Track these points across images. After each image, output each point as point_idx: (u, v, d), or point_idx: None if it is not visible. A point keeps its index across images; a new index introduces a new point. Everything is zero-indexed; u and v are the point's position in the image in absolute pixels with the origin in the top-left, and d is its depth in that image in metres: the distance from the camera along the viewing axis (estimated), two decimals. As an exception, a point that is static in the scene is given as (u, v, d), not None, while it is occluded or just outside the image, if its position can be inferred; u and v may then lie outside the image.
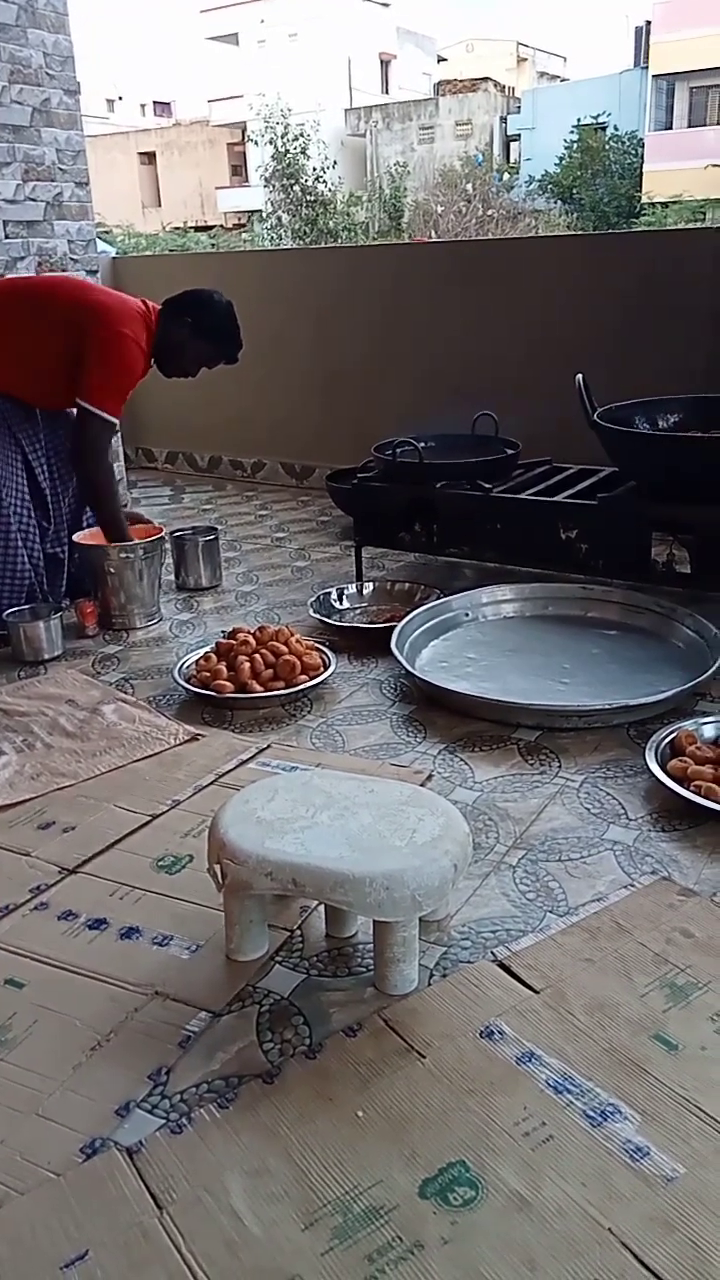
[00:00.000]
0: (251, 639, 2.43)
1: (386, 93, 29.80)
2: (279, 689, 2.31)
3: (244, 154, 28.46)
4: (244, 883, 1.39)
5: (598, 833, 1.79)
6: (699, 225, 4.77)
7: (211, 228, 26.90)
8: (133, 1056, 1.30)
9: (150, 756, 2.06)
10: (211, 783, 1.97)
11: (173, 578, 3.21)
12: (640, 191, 21.86)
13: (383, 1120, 1.20)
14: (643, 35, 23.98)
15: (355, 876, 1.34)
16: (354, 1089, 1.24)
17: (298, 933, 1.54)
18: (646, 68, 23.38)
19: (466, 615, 2.74)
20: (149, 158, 31.47)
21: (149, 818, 1.83)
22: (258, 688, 2.31)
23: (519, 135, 25.86)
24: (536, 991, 1.39)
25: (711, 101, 22.59)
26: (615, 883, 1.65)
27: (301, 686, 2.32)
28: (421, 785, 1.95)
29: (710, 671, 2.23)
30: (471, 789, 1.96)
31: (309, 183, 22.11)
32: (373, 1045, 1.31)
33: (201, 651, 2.51)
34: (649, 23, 23.38)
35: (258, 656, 2.36)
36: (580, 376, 2.71)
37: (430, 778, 2.00)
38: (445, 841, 1.42)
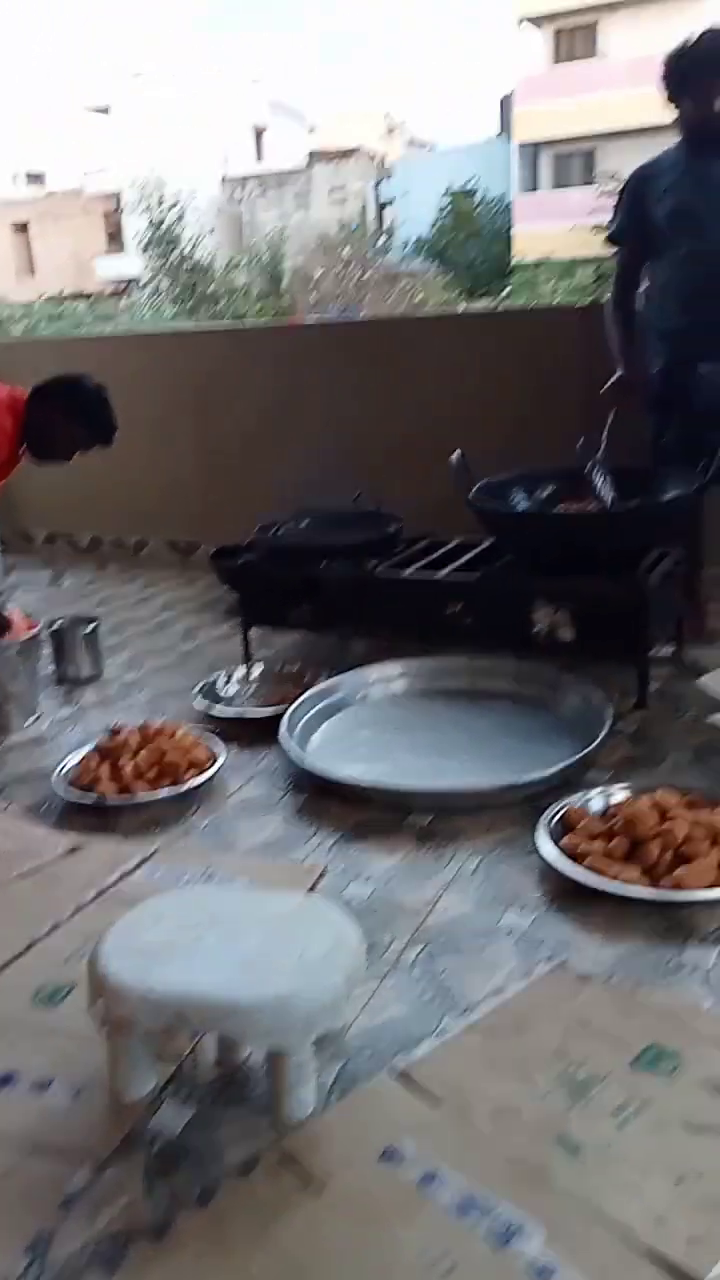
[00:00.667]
0: (135, 737, 2.37)
1: (260, 161, 30.45)
2: (165, 789, 2.25)
3: (120, 223, 28.61)
4: (126, 1020, 1.32)
5: (494, 920, 1.78)
6: (567, 304, 4.99)
7: (89, 295, 26.86)
8: (7, 1228, 1.21)
9: (27, 874, 1.97)
10: (94, 898, 1.88)
11: (52, 669, 3.11)
12: (510, 252, 22.74)
13: (281, 1267, 1.15)
14: (506, 105, 25.14)
15: (243, 1006, 1.29)
16: (251, 1235, 1.18)
17: (187, 1062, 1.47)
18: (511, 135, 24.48)
19: (356, 695, 2.73)
20: (21, 227, 31.32)
21: (26, 944, 1.74)
22: (142, 789, 2.24)
23: (392, 201, 26.67)
24: (438, 1103, 1.35)
25: (573, 166, 23.74)
26: (513, 973, 1.63)
27: (189, 785, 2.26)
28: (316, 882, 1.92)
29: (597, 741, 2.27)
30: (366, 882, 1.93)
31: (187, 250, 22.33)
32: (270, 1182, 1.25)
33: (83, 752, 2.42)
34: (511, 93, 24.54)
35: (141, 756, 2.30)
36: (457, 453, 2.76)
37: (324, 874, 1.96)
38: (337, 955, 1.38)
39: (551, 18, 23.10)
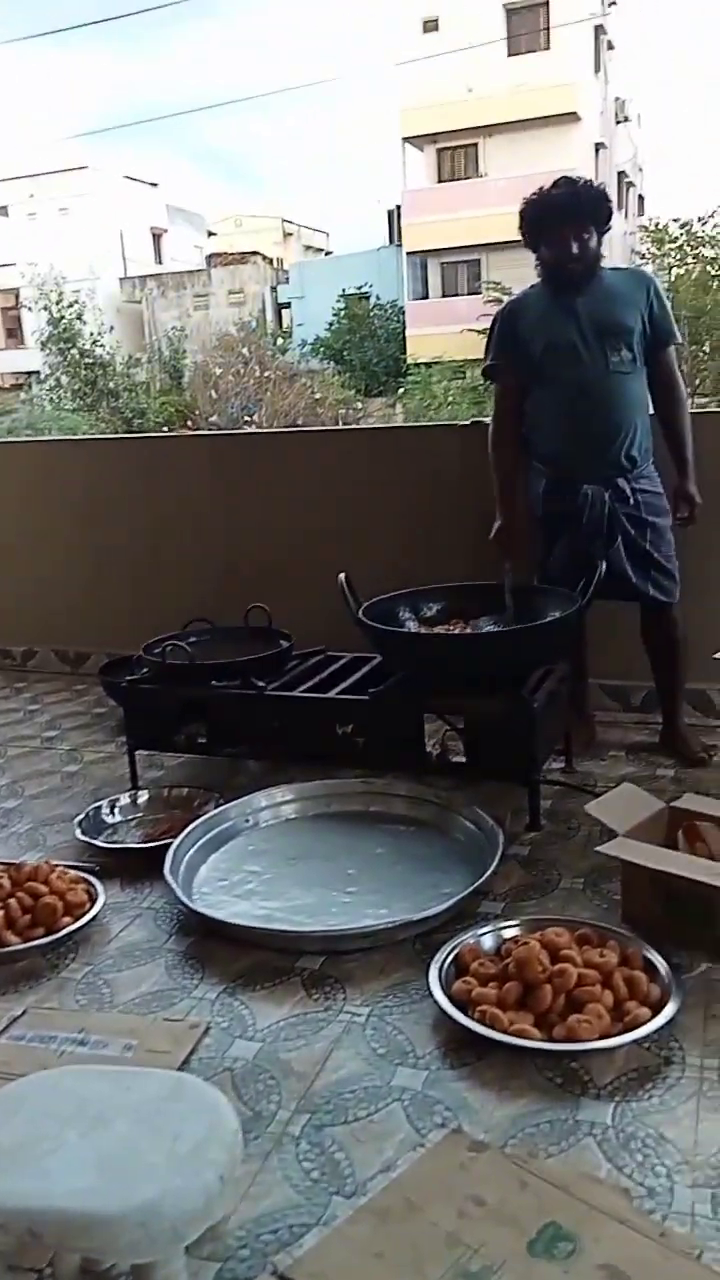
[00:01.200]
0: (6, 880, 2.22)
1: (160, 263, 31.07)
2: (39, 937, 2.11)
3: (19, 318, 28.69)
4: (-28, 1241, 1.19)
5: (385, 1079, 1.69)
6: (449, 422, 5.18)
7: (-11, 389, 26.71)
8: None
9: None
10: (-44, 1072, 1.73)
11: None
12: (404, 353, 23.56)
13: None
14: (395, 217, 26.35)
15: (103, 1217, 1.17)
16: None
17: (47, 1271, 1.33)
18: (400, 245, 25.60)
19: (245, 822, 2.64)
20: None
21: None
22: (14, 939, 2.09)
23: (289, 303, 27.49)
24: (321, 1312, 1.25)
25: (460, 275, 24.89)
26: (405, 1143, 1.54)
27: (64, 931, 2.13)
28: (197, 1043, 1.81)
29: (489, 871, 2.22)
30: (251, 1039, 1.82)
31: (86, 346, 22.46)
32: None
33: (-49, 897, 2.26)
34: (399, 207, 25.75)
35: (13, 901, 2.15)
36: (342, 576, 2.75)
37: (207, 1031, 1.85)
38: (210, 1148, 1.27)
39: (433, 138, 24.45)
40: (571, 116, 22.51)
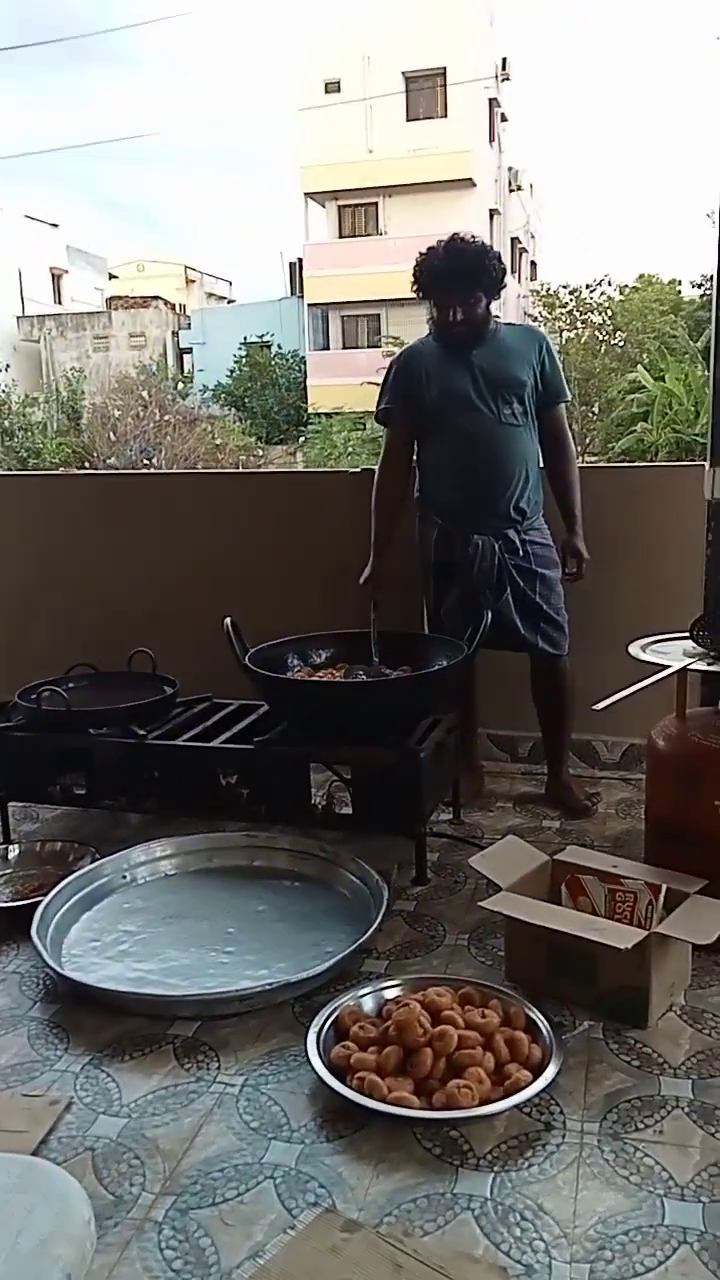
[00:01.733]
0: None
1: (59, 303, 30.74)
2: None
3: None
4: None
5: (257, 1155, 1.60)
6: (340, 469, 5.22)
7: None
8: None
9: None
10: None
11: None
12: (305, 403, 23.78)
13: None
14: (297, 269, 26.73)
15: (-69, 1333, 1.05)
16: None
17: None
18: (302, 296, 25.95)
19: (122, 878, 2.52)
20: None
21: None
22: None
23: (191, 349, 27.49)
24: None
25: (360, 328, 25.34)
26: (275, 1225, 1.45)
27: None
28: (57, 1120, 1.69)
29: (371, 929, 2.16)
30: (117, 1115, 1.71)
31: (-19, 383, 22.00)
32: None
33: None
34: (300, 260, 26.14)
35: None
36: (229, 620, 2.68)
37: (69, 1107, 1.73)
38: (57, 1244, 1.17)
39: (334, 195, 24.97)
40: (467, 182, 23.31)
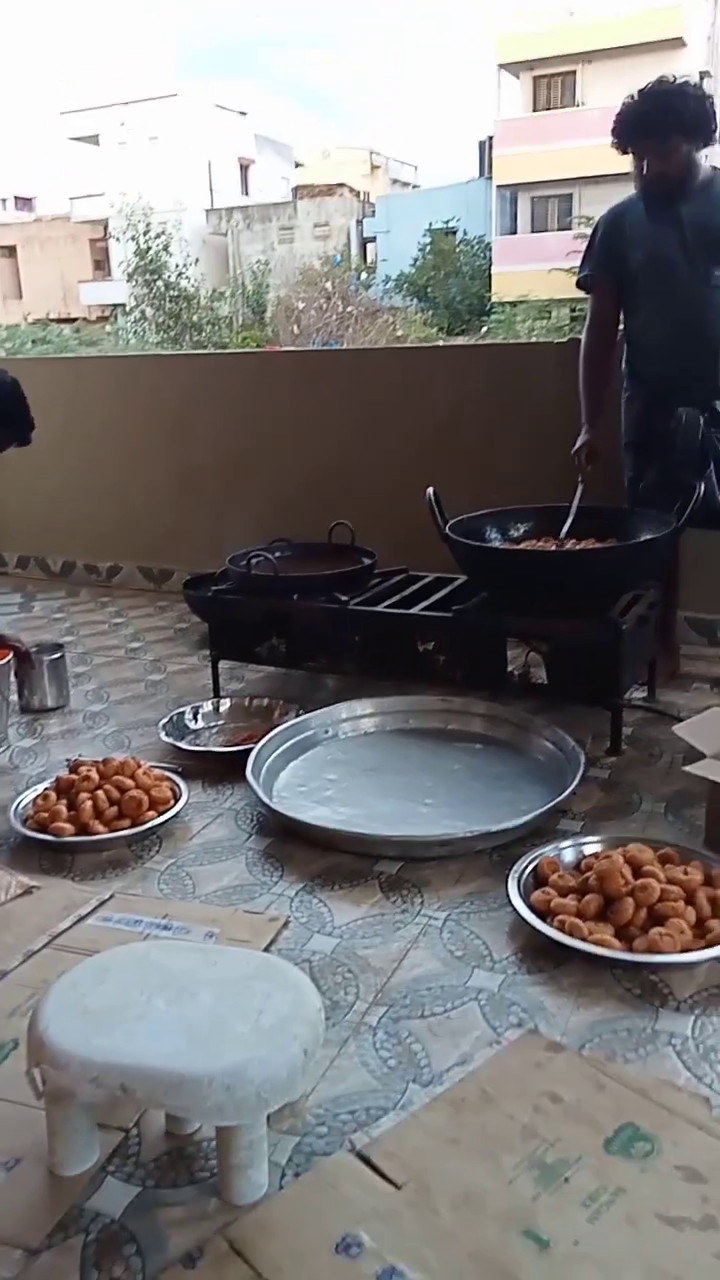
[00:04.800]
0: (94, 773, 2.27)
1: (246, 195, 30.72)
2: (124, 829, 2.15)
3: (106, 249, 28.72)
4: (66, 1090, 1.23)
5: (461, 980, 1.70)
6: (543, 340, 5.01)
7: (74, 320, 26.88)
8: None
9: (-25, 919, 1.87)
10: (44, 945, 1.78)
11: (15, 698, 3.01)
12: (490, 291, 23.02)
13: None
14: (486, 149, 25.55)
15: (192, 1077, 1.19)
16: (192, 1335, 1.09)
17: (134, 1131, 1.38)
18: (491, 178, 24.86)
19: (325, 733, 2.65)
20: (9, 251, 31.41)
21: (-32, 997, 1.64)
22: (100, 829, 2.14)
23: (374, 237, 26.98)
24: (398, 1187, 1.26)
25: (551, 210, 24.12)
26: (480, 1039, 1.55)
27: (149, 824, 2.17)
28: (277, 934, 1.83)
29: (569, 790, 2.20)
30: (330, 935, 1.84)
31: (172, 278, 22.41)
32: (214, 1277, 1.15)
33: (41, 788, 2.32)
34: (491, 138, 24.94)
35: (100, 793, 2.20)
36: (431, 490, 2.71)
37: (287, 924, 1.87)
38: (294, 1023, 1.29)
39: (530, 65, 23.53)
40: (677, 42, 21.47)
